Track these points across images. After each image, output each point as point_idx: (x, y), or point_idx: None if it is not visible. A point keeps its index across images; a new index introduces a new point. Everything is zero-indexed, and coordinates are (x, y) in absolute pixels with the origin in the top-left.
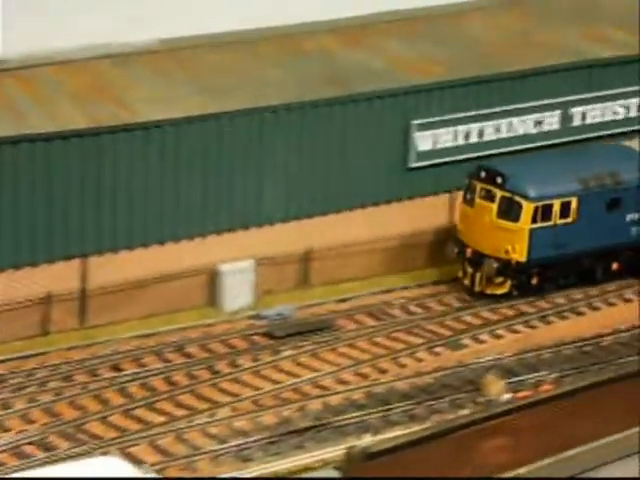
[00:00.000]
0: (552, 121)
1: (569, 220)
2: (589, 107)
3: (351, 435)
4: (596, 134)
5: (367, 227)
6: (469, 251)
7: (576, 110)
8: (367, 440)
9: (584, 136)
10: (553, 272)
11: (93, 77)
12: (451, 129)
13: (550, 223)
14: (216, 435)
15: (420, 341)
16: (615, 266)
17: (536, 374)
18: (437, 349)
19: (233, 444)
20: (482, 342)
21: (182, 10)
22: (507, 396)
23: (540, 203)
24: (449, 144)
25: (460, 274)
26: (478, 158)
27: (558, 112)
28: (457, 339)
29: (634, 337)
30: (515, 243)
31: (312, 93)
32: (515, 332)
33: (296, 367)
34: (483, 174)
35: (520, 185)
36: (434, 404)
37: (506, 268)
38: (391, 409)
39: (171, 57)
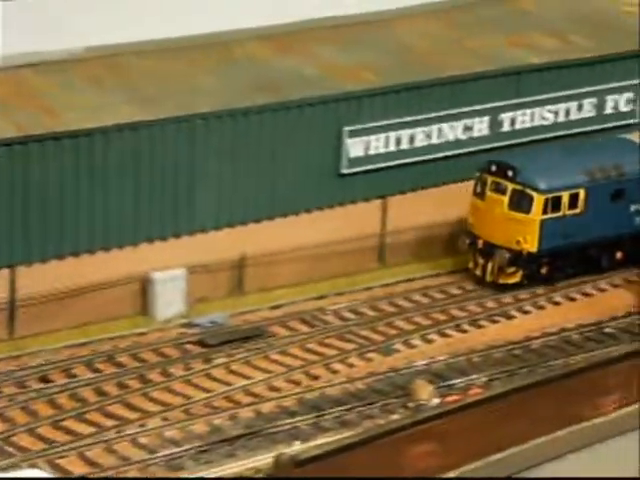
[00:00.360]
0: (482, 127)
1: (577, 211)
2: (518, 113)
3: (282, 442)
4: (525, 139)
5: (300, 234)
6: (480, 242)
7: (505, 116)
8: (297, 447)
9: (513, 141)
10: (562, 262)
11: (20, 85)
12: (382, 135)
13: (559, 214)
14: (146, 445)
15: (352, 347)
16: (619, 255)
17: (466, 378)
18: (369, 355)
19: (163, 454)
20: (414, 347)
21: (111, 17)
22: (436, 400)
23: (550, 195)
24: (381, 150)
25: (471, 265)
26: (410, 164)
27: (487, 118)
28: (389, 344)
29: (562, 340)
30: (526, 234)
31: (243, 100)
32: (446, 336)
33: (228, 375)
34: (494, 168)
35: (531, 178)
36: (365, 410)
37: (517, 258)
38: (322, 415)
39: (101, 64)
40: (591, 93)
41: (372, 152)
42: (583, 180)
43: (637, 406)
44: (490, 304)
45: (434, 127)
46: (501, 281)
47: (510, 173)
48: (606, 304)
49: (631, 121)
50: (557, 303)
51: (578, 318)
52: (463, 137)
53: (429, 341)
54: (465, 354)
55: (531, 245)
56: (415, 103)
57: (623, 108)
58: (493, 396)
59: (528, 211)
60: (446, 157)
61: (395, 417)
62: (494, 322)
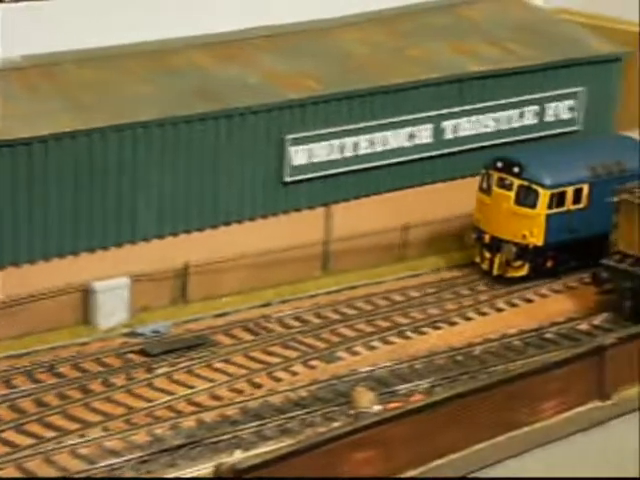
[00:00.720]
0: (425, 134)
1: (581, 206)
2: (461, 120)
3: (223, 452)
4: (468, 147)
5: (244, 242)
6: (487, 237)
7: (448, 123)
8: (237, 456)
9: (456, 149)
10: (566, 255)
11: None
12: (326, 143)
13: (564, 209)
14: (86, 456)
15: (296, 355)
16: None
17: (408, 384)
18: (312, 362)
19: (103, 464)
20: (357, 354)
21: (49, 25)
22: (377, 407)
23: (555, 190)
24: (324, 158)
25: (478, 259)
26: (353, 172)
27: (430, 126)
28: (332, 352)
29: (503, 346)
30: (532, 228)
31: (184, 108)
32: (389, 343)
33: (170, 384)
34: (500, 164)
35: (536, 174)
36: (307, 417)
37: (524, 252)
38: (264, 424)
39: (38, 73)
40: (532, 101)
41: (315, 160)
42: (586, 176)
43: (576, 411)
44: (433, 311)
45: (377, 135)
46: (508, 274)
47: (516, 169)
48: (547, 310)
49: (572, 128)
50: (499, 309)
51: (519, 324)
52: (407, 144)
53: (372, 348)
54: (407, 361)
55: (537, 239)
56: (358, 111)
57: (564, 115)
58: (433, 403)
59: (534, 206)
60: (390, 164)
61: (336, 424)
62: (437, 328)
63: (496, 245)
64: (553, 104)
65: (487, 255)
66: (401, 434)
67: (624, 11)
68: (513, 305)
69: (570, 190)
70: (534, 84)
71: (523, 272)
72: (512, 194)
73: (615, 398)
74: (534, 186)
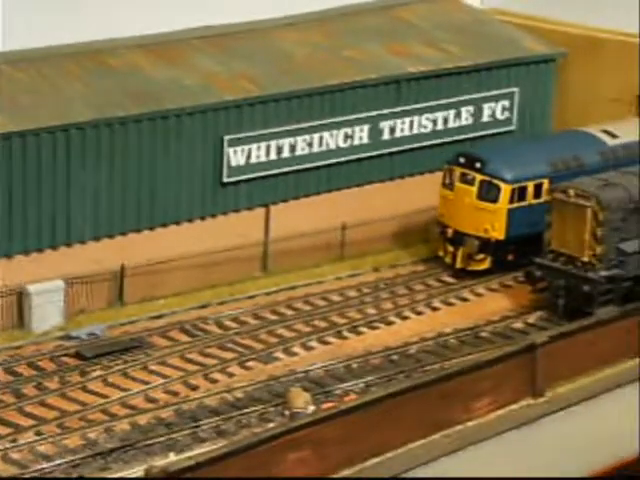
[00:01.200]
0: (362, 135)
1: (541, 200)
2: (398, 121)
3: (157, 454)
4: (405, 147)
5: (182, 243)
6: (450, 231)
7: (385, 124)
8: (171, 459)
9: (394, 149)
10: (527, 248)
11: None
12: (263, 144)
13: (525, 203)
14: (17, 460)
15: (233, 356)
16: None
17: (344, 384)
18: (249, 363)
19: (34, 469)
20: (294, 354)
21: None
22: (312, 408)
23: (516, 185)
24: (262, 159)
25: (441, 253)
26: (291, 172)
27: (367, 126)
28: (269, 352)
29: (439, 344)
30: (494, 222)
31: (120, 110)
32: (326, 343)
33: (105, 387)
34: (462, 160)
35: (498, 169)
36: (243, 419)
37: (486, 246)
38: (199, 426)
39: None
40: (468, 101)
41: (253, 161)
42: (547, 171)
43: (509, 408)
44: (370, 310)
45: (315, 135)
46: (470, 268)
47: (478, 165)
48: (483, 308)
49: (507, 128)
50: (435, 308)
51: (455, 323)
52: (344, 145)
53: (309, 348)
54: (344, 361)
55: (499, 233)
56: (295, 112)
57: (499, 116)
58: (367, 402)
59: (496, 200)
60: (328, 165)
61: (271, 425)
62: (373, 328)
63: (459, 239)
64: (489, 104)
65: (450, 249)
66: (335, 434)
67: (559, 12)
68: (449, 304)
69: (531, 185)
70: (470, 85)
71: (485, 265)
72: (474, 189)
73: (548, 395)
74: (496, 181)
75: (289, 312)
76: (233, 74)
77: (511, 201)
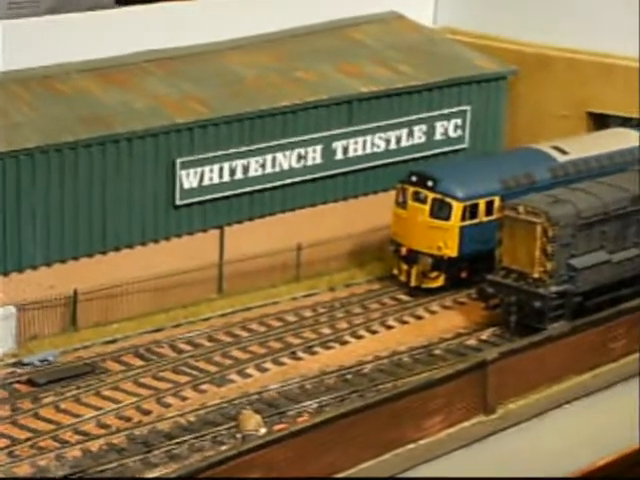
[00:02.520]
0: (315, 155)
1: (493, 217)
2: (351, 141)
3: None
4: (359, 167)
5: (135, 267)
6: (404, 250)
7: (338, 144)
8: None
9: (347, 169)
10: (480, 265)
11: None
12: (216, 166)
13: (477, 220)
14: None
15: (186, 379)
16: None
17: (297, 405)
18: (203, 386)
19: None
20: (248, 376)
21: None
22: (263, 430)
23: (468, 203)
24: (215, 181)
25: (396, 272)
26: (245, 194)
27: (320, 146)
28: (223, 375)
29: (393, 363)
30: (447, 240)
31: (70, 135)
32: (281, 364)
33: (57, 414)
34: (414, 178)
35: (449, 187)
36: (196, 442)
37: (439, 263)
38: (151, 451)
39: None
40: (421, 120)
41: (206, 183)
42: (498, 188)
43: (460, 426)
44: (325, 330)
45: (268, 156)
46: (425, 285)
47: (430, 183)
48: (437, 326)
49: (460, 146)
50: (390, 327)
51: (409, 341)
52: (297, 166)
53: (264, 370)
54: (298, 381)
55: (452, 250)
56: (247, 133)
57: (452, 134)
58: (318, 423)
59: (448, 218)
60: (282, 186)
61: (223, 448)
62: (328, 348)
63: (413, 257)
64: (441, 123)
65: (404, 267)
66: (286, 456)
67: (510, 31)
68: (404, 322)
69: (482, 202)
70: (422, 103)
71: (439, 283)
72: (427, 207)
73: (499, 412)
74: (447, 199)
75: (244, 333)
76: (184, 97)
77: (463, 219)
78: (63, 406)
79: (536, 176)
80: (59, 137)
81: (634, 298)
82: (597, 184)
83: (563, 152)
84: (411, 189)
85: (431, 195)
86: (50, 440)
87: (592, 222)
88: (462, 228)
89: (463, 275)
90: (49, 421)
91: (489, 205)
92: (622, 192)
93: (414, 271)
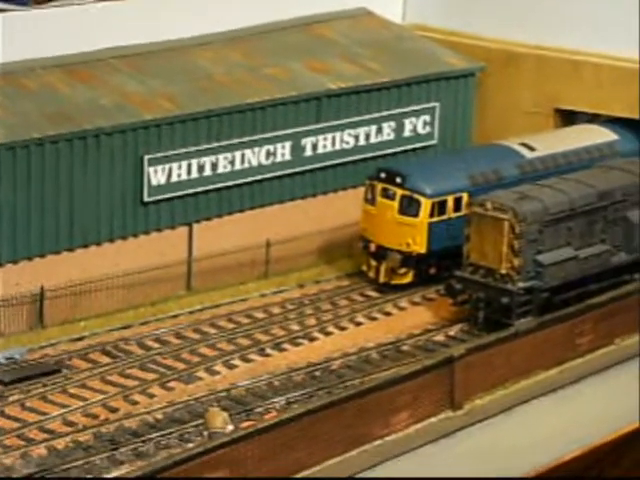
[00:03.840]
0: (284, 152)
1: (461, 214)
2: (320, 137)
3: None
4: (328, 163)
5: (103, 264)
6: (373, 246)
7: (307, 140)
8: None
9: (316, 165)
10: (449, 262)
11: None
12: (184, 162)
13: (445, 217)
14: None
15: (154, 377)
16: None
17: (265, 402)
18: (170, 384)
19: None
20: (216, 373)
21: None
22: (230, 427)
23: (436, 199)
24: (183, 177)
25: (365, 268)
26: (214, 190)
27: (289, 143)
28: (191, 372)
29: (361, 359)
30: (415, 236)
31: (36, 131)
32: (249, 361)
33: (22, 412)
34: (383, 175)
35: (418, 184)
36: (162, 440)
37: (408, 259)
38: (118, 448)
39: None
40: (390, 116)
41: (175, 179)
42: (466, 185)
43: (428, 422)
44: (294, 327)
45: (237, 153)
46: (394, 282)
47: (398, 180)
48: (405, 322)
49: (429, 143)
50: (359, 323)
51: (378, 337)
52: (266, 162)
53: (232, 367)
54: (266, 378)
55: (420, 247)
56: (216, 130)
57: (421, 130)
58: (285, 420)
59: (416, 215)
60: (251, 182)
61: (190, 446)
62: (297, 345)
63: (381, 254)
64: (410, 119)
65: (373, 263)
66: (253, 452)
67: (478, 27)
68: (372, 319)
69: (451, 199)
70: (391, 100)
71: (408, 279)
72: (395, 204)
73: (466, 408)
74: (416, 195)
75: (212, 330)
76: (151, 93)
77: (431, 215)
78: (29, 404)
79: (504, 172)
80: (26, 134)
81: (600, 294)
82: (564, 180)
83: (531, 148)
84: (380, 186)
85: (399, 192)
86: (15, 438)
87: (559, 218)
88: (430, 224)
89: (432, 271)
90: (15, 419)
91: (457, 201)
92: (588, 188)
93: (383, 267)
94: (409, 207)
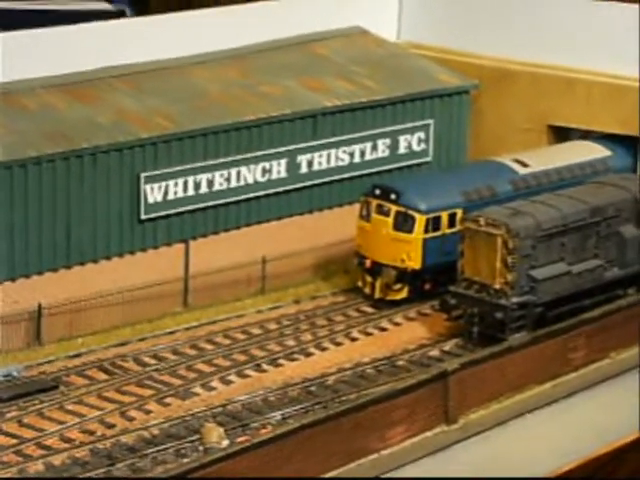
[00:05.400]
0: (279, 169)
1: (455, 230)
2: (315, 154)
3: None
4: (323, 180)
5: (100, 281)
6: (368, 262)
7: (302, 158)
8: None
9: (312, 182)
10: (443, 277)
11: None
12: (181, 180)
13: (440, 233)
14: None
15: (150, 393)
16: None
17: (261, 417)
18: (167, 400)
19: None
20: (212, 389)
21: None
22: (226, 442)
23: (431, 215)
24: (180, 195)
25: (360, 284)
26: (210, 207)
27: (285, 160)
28: (187, 388)
29: (356, 374)
30: (410, 252)
31: (33, 150)
32: (245, 377)
33: (20, 428)
34: (378, 192)
35: (412, 200)
36: (159, 455)
37: (403, 275)
38: (114, 464)
39: None
40: (384, 134)
41: (171, 197)
42: (460, 201)
43: (423, 436)
44: (290, 342)
45: (233, 170)
46: (389, 298)
47: (393, 196)
48: (400, 337)
49: (424, 160)
50: (354, 339)
51: (373, 352)
52: (262, 179)
53: (228, 382)
54: (262, 394)
55: (415, 262)
56: (212, 148)
57: (416, 147)
58: (280, 434)
59: (411, 231)
60: (247, 199)
61: (186, 461)
62: (292, 360)
63: (377, 269)
64: (405, 137)
65: (368, 279)
66: (249, 467)
67: (472, 45)
68: (368, 334)
69: (445, 215)
70: (386, 117)
71: (403, 295)
72: (390, 220)
73: (461, 422)
74: (410, 212)
75: (209, 347)
76: (148, 111)
77: (426, 231)
78: (26, 420)
79: (497, 188)
80: (23, 152)
81: (594, 309)
82: (557, 196)
83: (524, 165)
84: (374, 202)
85: (394, 208)
86: (13, 455)
87: (552, 234)
88: (425, 240)
89: (427, 287)
90: (12, 436)
91: (452, 217)
92: (581, 204)
93: (378, 283)
94: (404, 223)
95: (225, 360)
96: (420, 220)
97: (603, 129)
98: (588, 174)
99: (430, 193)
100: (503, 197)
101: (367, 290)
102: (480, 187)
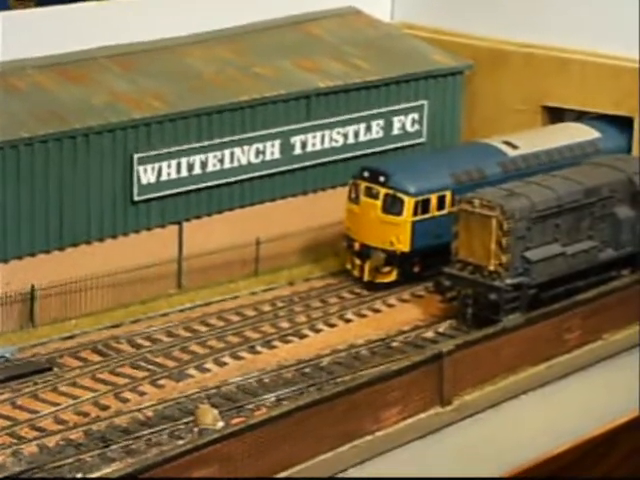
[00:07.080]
0: (273, 150)
1: (444, 212)
2: (309, 136)
3: (66, 476)
4: (317, 161)
5: (94, 262)
6: (357, 245)
7: (296, 139)
8: None
9: (305, 164)
10: (432, 260)
11: None
12: (174, 161)
13: (429, 215)
14: None
15: (144, 375)
16: None
17: (255, 399)
18: (161, 381)
19: None
20: (207, 371)
21: None
22: (220, 424)
23: (420, 198)
24: (173, 176)
25: (349, 266)
26: (203, 189)
27: (279, 141)
28: (182, 370)
29: (351, 356)
30: (399, 235)
31: (26, 131)
32: (239, 359)
33: (14, 410)
34: (366, 174)
35: (401, 182)
36: (153, 437)
37: (392, 258)
38: (108, 446)
39: None
40: (378, 115)
41: (164, 178)
42: (449, 183)
43: (417, 418)
44: (284, 324)
45: (226, 152)
46: (378, 280)
47: (382, 179)
48: (394, 319)
49: (418, 141)
50: (348, 320)
51: (367, 334)
52: (256, 161)
53: (222, 364)
54: (256, 375)
55: (404, 245)
56: (205, 129)
57: (409, 128)
58: (275, 416)
59: (400, 213)
60: (240, 181)
61: (180, 443)
62: (287, 342)
63: (365, 252)
64: (398, 117)
65: (357, 262)
66: (243, 449)
67: (466, 26)
68: (362, 316)
69: (434, 197)
70: (380, 98)
71: (392, 277)
72: (379, 202)
73: (455, 403)
74: (399, 194)
75: (203, 328)
76: (141, 92)
77: (415, 213)
78: (20, 402)
79: (487, 171)
80: (15, 133)
81: (588, 290)
82: (551, 177)
83: (513, 147)
84: (363, 185)
85: (383, 190)
86: (6, 436)
87: (546, 215)
88: (414, 223)
89: (416, 270)
90: (6, 417)
91: (441, 200)
92: (576, 185)
93: (367, 266)
94: (393, 206)
95: (219, 342)
96: (409, 202)
97: (597, 110)
98: (577, 156)
99: (419, 175)
100: (492, 179)
101: (356, 273)
102: (469, 169)
